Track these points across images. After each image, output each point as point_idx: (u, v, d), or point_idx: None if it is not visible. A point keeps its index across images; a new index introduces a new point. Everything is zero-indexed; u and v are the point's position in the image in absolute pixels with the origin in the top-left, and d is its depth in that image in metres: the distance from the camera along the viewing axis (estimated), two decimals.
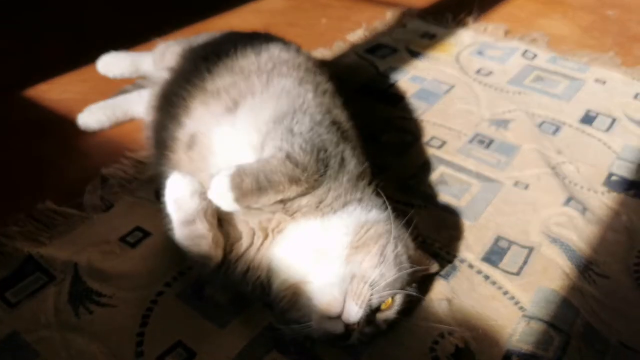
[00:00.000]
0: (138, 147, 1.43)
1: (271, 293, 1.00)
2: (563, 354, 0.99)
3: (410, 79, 1.84)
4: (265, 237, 1.01)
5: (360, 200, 1.04)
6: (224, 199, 0.91)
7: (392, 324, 0.98)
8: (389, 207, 1.03)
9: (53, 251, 1.14)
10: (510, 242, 1.23)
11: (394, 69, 1.89)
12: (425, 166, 1.46)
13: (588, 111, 1.69)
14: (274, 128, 1.03)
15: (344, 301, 0.90)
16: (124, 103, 1.58)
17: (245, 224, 1.01)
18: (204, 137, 1.14)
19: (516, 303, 1.09)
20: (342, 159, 1.04)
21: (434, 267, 1.09)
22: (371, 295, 0.91)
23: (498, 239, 1.24)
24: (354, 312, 0.90)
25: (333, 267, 0.93)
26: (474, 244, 1.23)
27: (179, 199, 0.95)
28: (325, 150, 1.01)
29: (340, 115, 1.21)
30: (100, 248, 1.16)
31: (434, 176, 1.43)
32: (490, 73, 1.87)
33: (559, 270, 1.15)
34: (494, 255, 1.20)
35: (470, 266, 1.17)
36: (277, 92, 1.15)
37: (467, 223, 1.28)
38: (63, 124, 1.53)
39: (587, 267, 1.17)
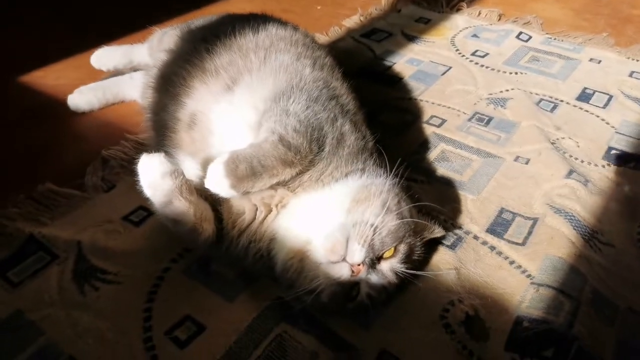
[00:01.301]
0: (137, 129, 1.42)
1: (277, 266, 1.00)
2: (574, 319, 0.99)
3: (407, 61, 1.84)
4: (269, 211, 1.00)
5: (362, 169, 1.03)
6: (221, 186, 0.92)
7: (400, 285, 0.97)
8: (393, 172, 1.03)
9: (55, 231, 1.12)
10: (514, 214, 1.23)
11: (390, 52, 1.89)
12: (425, 144, 1.46)
13: (585, 89, 1.70)
14: (270, 107, 1.03)
15: (347, 243, 0.90)
16: (114, 85, 1.57)
17: (248, 201, 1.00)
18: (204, 117, 1.13)
19: (523, 272, 1.09)
20: (342, 134, 1.04)
21: (439, 231, 1.08)
22: (373, 235, 0.91)
23: (502, 211, 1.24)
24: (357, 251, 0.90)
25: (334, 218, 0.94)
26: (478, 216, 1.23)
27: (152, 182, 0.94)
28: (321, 129, 1.00)
29: (340, 88, 1.20)
30: (103, 227, 1.14)
31: (435, 153, 1.43)
32: (486, 55, 1.88)
33: (565, 239, 1.15)
34: (499, 226, 1.20)
35: (476, 238, 1.17)
36: (275, 69, 1.15)
37: (470, 197, 1.28)
38: (59, 109, 1.51)
39: (592, 236, 1.17)
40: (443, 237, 1.13)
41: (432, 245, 1.11)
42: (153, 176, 0.94)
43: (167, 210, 0.94)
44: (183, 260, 1.09)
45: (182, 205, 0.93)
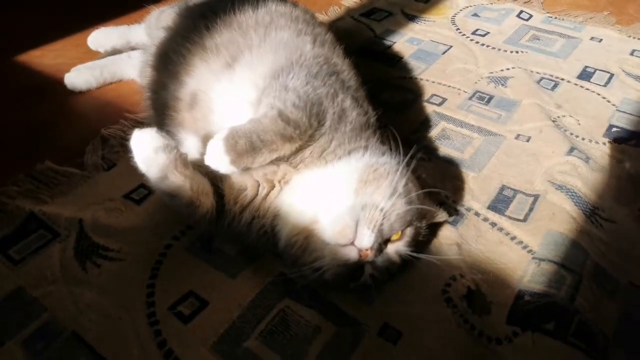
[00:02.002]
0: (136, 109, 1.41)
1: (280, 242, 1.00)
2: (576, 293, 0.99)
3: (407, 40, 1.83)
4: (271, 187, 1.00)
5: (366, 147, 1.03)
6: (221, 163, 0.91)
7: (403, 265, 0.98)
8: (400, 149, 1.03)
9: (56, 209, 1.12)
10: (515, 191, 1.23)
11: (390, 31, 1.88)
12: (426, 122, 1.45)
13: (586, 67, 1.69)
14: (269, 84, 1.02)
15: (356, 227, 0.90)
16: (112, 64, 1.55)
17: (250, 177, 0.99)
18: (205, 95, 1.12)
19: (524, 247, 1.10)
20: (343, 110, 1.03)
21: (443, 215, 1.09)
22: (383, 220, 0.91)
23: (503, 188, 1.24)
24: (367, 236, 0.90)
25: (343, 200, 0.93)
26: (480, 193, 1.23)
27: (146, 157, 0.93)
28: (321, 104, 0.99)
29: (341, 64, 1.19)
30: (104, 205, 1.14)
31: (436, 131, 1.42)
32: (486, 33, 1.86)
33: (566, 215, 1.15)
34: (500, 203, 1.20)
35: (477, 214, 1.17)
36: (275, 45, 1.14)
37: (471, 174, 1.28)
38: (58, 88, 1.50)
39: (594, 212, 1.17)
40: (446, 221, 1.13)
41: (436, 225, 1.11)
42: (146, 151, 0.93)
43: (163, 185, 0.94)
44: (185, 237, 1.09)
45: (178, 179, 0.93)
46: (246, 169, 0.95)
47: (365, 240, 0.90)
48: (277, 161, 0.97)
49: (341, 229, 0.90)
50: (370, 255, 0.91)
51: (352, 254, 0.91)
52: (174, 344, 0.90)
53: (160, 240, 1.07)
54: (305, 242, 0.95)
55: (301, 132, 0.95)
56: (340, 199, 0.94)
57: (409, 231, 0.97)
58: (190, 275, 1.01)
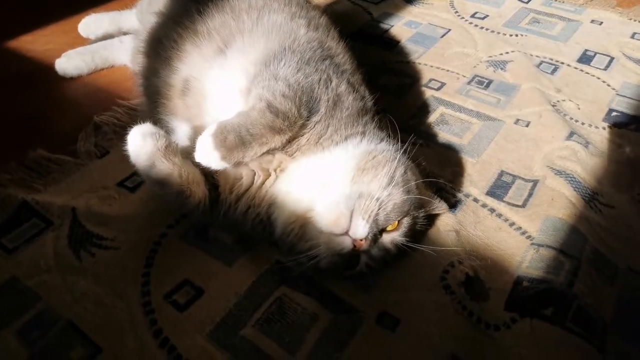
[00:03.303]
0: (129, 95, 1.39)
1: (276, 230, 0.98)
2: (575, 278, 0.98)
3: (405, 24, 1.80)
4: (267, 176, 0.99)
5: (363, 133, 1.01)
6: (212, 159, 0.90)
7: (400, 253, 0.97)
8: (397, 136, 1.01)
9: (49, 197, 1.10)
10: (514, 177, 1.22)
11: (388, 14, 1.85)
12: (424, 107, 1.43)
13: (586, 51, 1.67)
14: (260, 71, 1.00)
15: (351, 217, 0.89)
16: (103, 49, 1.52)
17: (245, 166, 0.98)
18: (197, 82, 1.09)
19: (523, 233, 1.09)
20: (337, 95, 1.01)
21: (442, 206, 1.07)
22: (378, 210, 0.90)
23: (502, 173, 1.23)
24: (362, 227, 0.89)
25: (339, 187, 0.92)
26: (478, 179, 1.21)
27: (135, 145, 0.92)
28: (312, 92, 0.97)
29: (336, 48, 1.17)
30: (98, 193, 1.12)
31: (434, 116, 1.40)
32: (486, 17, 1.84)
33: (565, 200, 1.14)
34: (499, 189, 1.19)
35: (476, 200, 1.16)
36: (268, 29, 1.11)
37: (470, 160, 1.26)
38: (49, 75, 1.47)
39: (593, 197, 1.16)
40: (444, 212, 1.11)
41: (435, 215, 1.10)
42: (135, 138, 0.92)
43: (152, 173, 0.92)
44: (180, 225, 1.07)
45: (166, 168, 0.91)
46: (237, 164, 0.94)
47: (360, 230, 0.89)
48: (272, 150, 0.95)
49: (336, 217, 0.89)
50: (364, 245, 0.90)
51: (346, 243, 0.90)
52: (170, 332, 0.89)
53: (155, 228, 1.06)
54: (301, 230, 0.94)
55: (290, 124, 0.93)
56: (337, 187, 0.92)
57: (406, 221, 0.96)
58: (185, 264, 1.00)
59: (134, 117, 1.33)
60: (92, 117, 1.31)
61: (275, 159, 0.98)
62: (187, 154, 0.97)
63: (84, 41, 1.57)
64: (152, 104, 1.21)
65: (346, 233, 0.89)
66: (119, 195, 1.12)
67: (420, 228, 1.02)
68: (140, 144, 0.91)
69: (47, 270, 0.98)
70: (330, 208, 0.91)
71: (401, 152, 0.98)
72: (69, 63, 1.47)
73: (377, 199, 0.90)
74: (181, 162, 0.93)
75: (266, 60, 1.01)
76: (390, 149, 0.99)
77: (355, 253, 0.91)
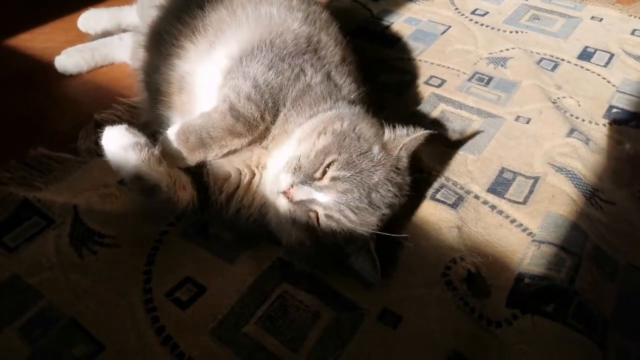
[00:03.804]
0: (129, 93, 1.38)
1: (273, 228, 0.99)
2: (575, 274, 0.99)
3: (405, 21, 1.80)
4: (253, 175, 1.00)
5: (331, 109, 1.01)
6: (175, 156, 0.93)
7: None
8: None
9: (50, 195, 1.10)
10: (515, 174, 1.22)
11: (388, 11, 1.85)
12: (425, 104, 1.43)
13: (586, 47, 1.67)
14: (232, 67, 1.01)
15: (279, 178, 0.92)
16: (103, 46, 1.52)
17: (230, 164, 0.99)
18: (190, 78, 1.10)
19: (524, 230, 1.09)
20: (308, 85, 1.01)
21: (418, 133, 1.00)
22: (299, 161, 0.91)
23: (502, 170, 1.23)
24: (284, 180, 0.91)
25: (280, 163, 0.95)
26: (479, 176, 1.21)
27: (116, 156, 0.92)
28: (280, 91, 0.98)
29: (327, 41, 1.15)
30: (99, 191, 1.12)
31: (435, 113, 1.40)
32: (486, 13, 1.83)
33: (566, 196, 1.14)
34: (500, 186, 1.19)
35: (476, 197, 1.16)
36: (256, 21, 1.11)
37: (470, 157, 1.26)
38: (48, 73, 1.47)
39: (593, 194, 1.16)
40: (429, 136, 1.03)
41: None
42: (116, 150, 0.92)
43: (137, 185, 0.92)
44: (180, 223, 1.07)
45: (151, 178, 0.91)
46: (200, 161, 0.97)
47: (283, 183, 0.91)
48: (250, 146, 0.97)
49: (270, 186, 0.94)
50: (295, 191, 0.90)
51: (282, 200, 0.92)
52: (172, 330, 0.89)
53: (156, 226, 1.06)
54: None
55: (251, 128, 0.94)
56: (280, 163, 0.95)
57: (342, 157, 0.92)
58: (186, 261, 1.00)
59: (134, 115, 1.33)
60: (92, 115, 1.31)
61: (254, 155, 0.99)
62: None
63: (83, 39, 1.57)
64: (152, 100, 1.21)
65: (279, 195, 0.92)
66: (120, 193, 1.12)
67: (402, 180, 0.98)
68: (122, 155, 0.91)
69: (49, 268, 0.98)
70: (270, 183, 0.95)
71: (355, 111, 1.00)
72: (68, 60, 1.47)
73: (299, 156, 0.92)
74: (166, 170, 0.94)
75: (241, 55, 1.02)
76: (340, 112, 0.99)
77: (305, 210, 0.91)
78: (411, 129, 1.00)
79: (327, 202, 0.90)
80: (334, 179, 0.91)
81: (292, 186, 0.91)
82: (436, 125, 1.36)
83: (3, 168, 1.15)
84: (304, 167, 0.91)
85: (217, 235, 1.06)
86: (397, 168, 0.97)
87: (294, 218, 0.92)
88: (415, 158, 1.05)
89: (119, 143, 0.91)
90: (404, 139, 0.98)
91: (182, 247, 1.03)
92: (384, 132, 0.99)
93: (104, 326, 0.90)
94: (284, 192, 0.92)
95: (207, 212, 1.01)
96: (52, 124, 1.32)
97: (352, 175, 0.91)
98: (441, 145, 1.29)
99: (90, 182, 1.15)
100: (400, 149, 0.97)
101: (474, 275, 0.99)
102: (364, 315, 0.93)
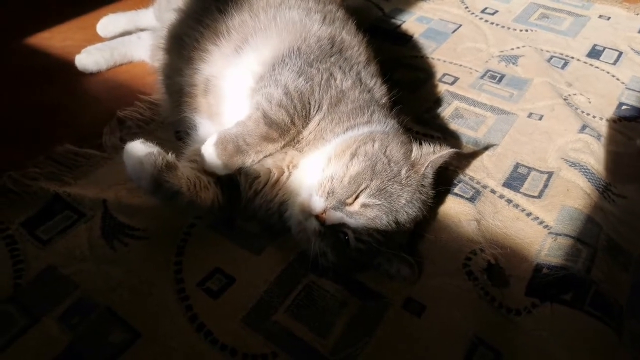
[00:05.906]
0: (149, 90, 1.41)
1: (292, 227, 1.02)
2: (592, 265, 1.02)
3: (417, 19, 1.83)
4: (281, 173, 1.03)
5: (368, 122, 1.04)
6: (215, 167, 0.99)
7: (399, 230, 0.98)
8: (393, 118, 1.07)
9: (79, 190, 1.13)
10: (530, 169, 1.25)
11: (399, 10, 1.88)
12: (439, 101, 1.47)
13: (594, 46, 1.70)
14: (264, 74, 1.05)
15: (310, 199, 0.95)
16: (122, 45, 1.55)
17: (261, 165, 1.02)
18: (217, 81, 1.13)
19: (540, 222, 1.12)
20: (342, 92, 1.04)
21: (444, 151, 1.02)
22: (332, 184, 0.94)
23: (517, 166, 1.26)
24: (317, 202, 0.94)
25: (314, 178, 0.98)
26: (494, 171, 1.25)
27: (134, 170, 0.96)
28: (313, 95, 1.01)
29: (350, 40, 1.18)
30: (126, 186, 1.14)
31: (449, 110, 1.43)
32: (495, 12, 1.87)
33: (580, 191, 1.18)
34: (515, 181, 1.22)
35: (493, 191, 1.19)
36: (282, 28, 1.14)
37: (485, 152, 1.30)
38: (69, 71, 1.49)
39: (606, 188, 1.20)
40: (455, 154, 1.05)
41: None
42: (133, 164, 0.96)
43: (160, 194, 0.97)
44: (207, 215, 1.10)
45: (171, 186, 0.95)
46: (238, 167, 1.01)
47: (316, 205, 0.94)
48: (284, 147, 1.01)
49: (300, 205, 0.97)
50: (329, 215, 0.94)
51: (313, 223, 0.95)
52: (205, 318, 0.92)
53: (183, 219, 1.09)
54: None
55: (283, 133, 0.99)
56: (313, 178, 0.98)
57: (374, 184, 0.95)
58: (215, 253, 1.03)
59: (155, 112, 1.36)
60: (113, 112, 1.34)
61: (287, 156, 1.03)
62: (194, 155, 1.04)
63: (100, 38, 1.60)
64: (174, 101, 1.24)
65: (311, 215, 0.95)
66: None
67: (426, 197, 1.01)
68: (139, 168, 0.95)
69: (82, 260, 1.01)
70: (302, 198, 0.98)
71: (388, 131, 1.03)
72: (88, 59, 1.50)
73: (331, 177, 0.95)
74: (183, 174, 0.98)
75: (273, 63, 1.06)
76: (375, 129, 1.02)
77: (334, 230, 0.94)
78: (437, 146, 1.03)
79: (357, 227, 0.95)
80: (364, 205, 0.95)
81: (324, 211, 0.94)
82: (450, 121, 1.39)
83: (32, 164, 1.18)
84: (337, 193, 0.94)
85: (242, 228, 1.09)
86: (422, 185, 1.01)
87: (323, 235, 0.95)
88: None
89: (135, 157, 0.95)
90: (430, 156, 1.01)
91: (210, 239, 1.06)
92: (412, 150, 1.03)
93: (139, 314, 0.93)
94: (317, 216, 0.95)
95: (236, 206, 1.04)
96: (75, 120, 1.35)
97: (382, 203, 0.95)
98: (456, 141, 1.32)
99: (117, 177, 1.17)
100: (427, 167, 1.01)
101: (493, 266, 1.03)
102: (388, 305, 0.96)
